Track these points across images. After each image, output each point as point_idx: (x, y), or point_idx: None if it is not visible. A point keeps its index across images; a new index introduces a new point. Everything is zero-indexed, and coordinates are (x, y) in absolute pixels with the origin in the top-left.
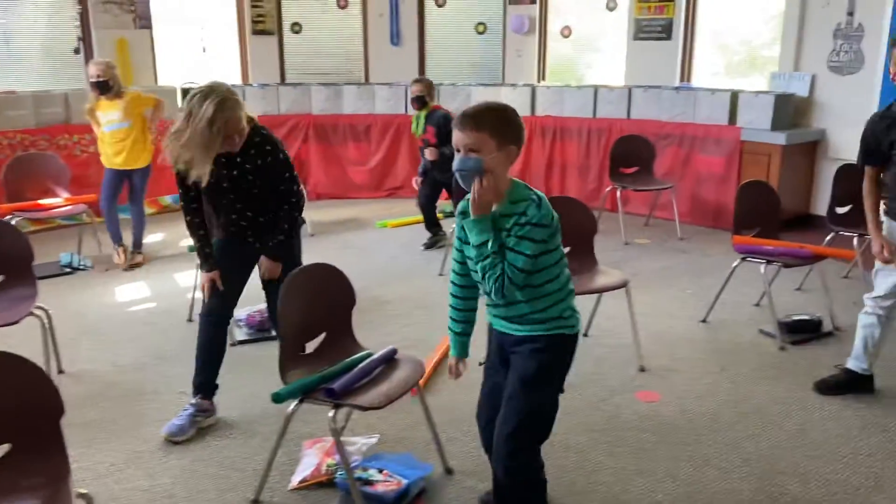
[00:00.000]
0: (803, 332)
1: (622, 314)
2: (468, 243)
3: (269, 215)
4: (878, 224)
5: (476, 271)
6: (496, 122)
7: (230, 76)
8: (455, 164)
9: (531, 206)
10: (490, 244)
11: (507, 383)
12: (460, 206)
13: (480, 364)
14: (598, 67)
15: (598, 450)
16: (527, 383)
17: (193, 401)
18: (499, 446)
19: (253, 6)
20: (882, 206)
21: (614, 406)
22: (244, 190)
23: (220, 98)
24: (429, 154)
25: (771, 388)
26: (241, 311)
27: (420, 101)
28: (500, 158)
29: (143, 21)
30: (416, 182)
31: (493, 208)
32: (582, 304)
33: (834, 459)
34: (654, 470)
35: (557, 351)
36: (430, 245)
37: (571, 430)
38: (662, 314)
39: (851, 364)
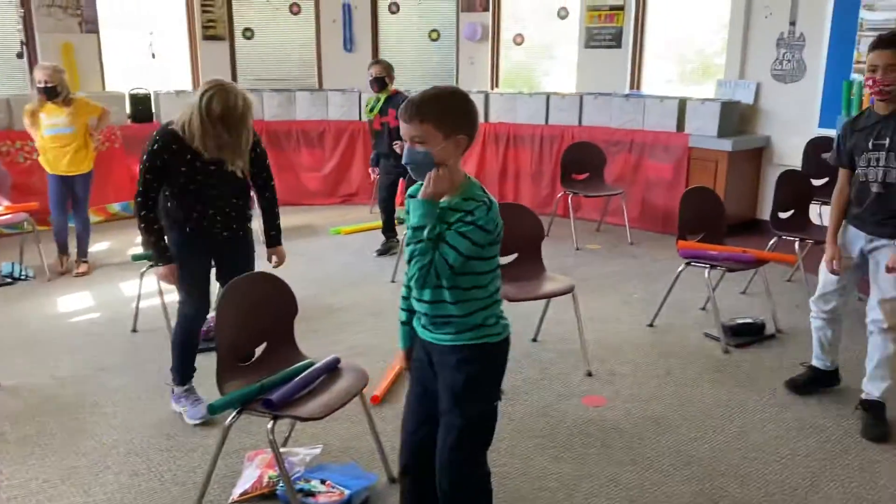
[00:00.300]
0: (747, 335)
1: (571, 319)
2: None
3: (236, 208)
4: (836, 230)
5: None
6: (442, 112)
7: (180, 82)
8: (404, 157)
9: (480, 208)
10: (428, 230)
11: (440, 396)
12: (411, 189)
13: None
14: (555, 74)
15: (544, 455)
16: (459, 397)
17: (187, 387)
18: (442, 461)
19: (204, 11)
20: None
21: (560, 411)
22: (229, 182)
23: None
24: (399, 149)
25: (714, 390)
26: None
27: (379, 83)
28: (448, 149)
29: (90, 25)
30: (372, 174)
31: (444, 199)
32: (530, 309)
33: (773, 461)
34: (599, 475)
35: (484, 360)
36: (382, 252)
37: (517, 437)
38: (610, 319)
39: (815, 362)
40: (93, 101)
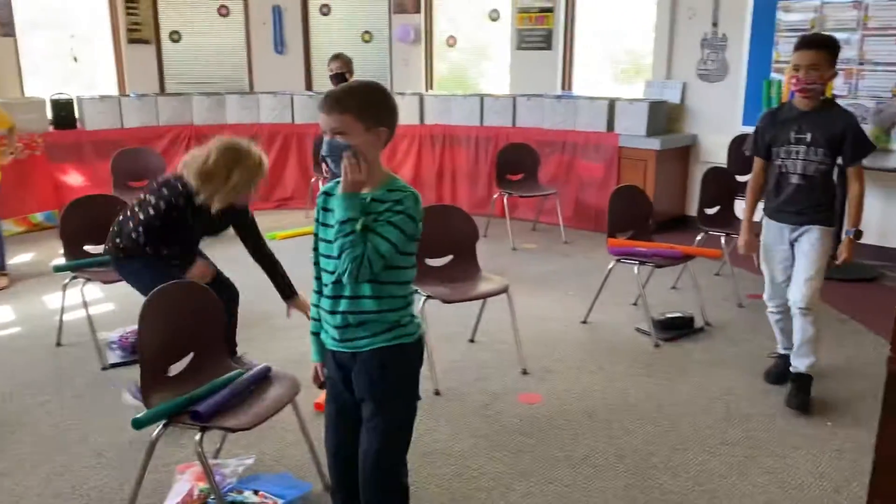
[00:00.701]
0: (676, 329)
1: (507, 319)
2: (329, 226)
3: None
4: (751, 217)
5: (329, 253)
6: (362, 103)
7: (105, 86)
8: (323, 149)
9: (409, 198)
10: (356, 223)
11: (362, 405)
12: (325, 186)
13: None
14: (489, 76)
15: (480, 455)
16: (381, 401)
17: None
18: (367, 466)
19: (128, 14)
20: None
21: (496, 410)
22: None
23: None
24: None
25: (645, 384)
26: (113, 333)
27: (340, 79)
28: (369, 140)
29: (6, 28)
30: (325, 171)
31: (366, 191)
32: (467, 310)
33: (702, 451)
34: (534, 472)
35: (400, 363)
36: None
37: (453, 438)
38: (546, 317)
39: (782, 350)
40: (4, 112)
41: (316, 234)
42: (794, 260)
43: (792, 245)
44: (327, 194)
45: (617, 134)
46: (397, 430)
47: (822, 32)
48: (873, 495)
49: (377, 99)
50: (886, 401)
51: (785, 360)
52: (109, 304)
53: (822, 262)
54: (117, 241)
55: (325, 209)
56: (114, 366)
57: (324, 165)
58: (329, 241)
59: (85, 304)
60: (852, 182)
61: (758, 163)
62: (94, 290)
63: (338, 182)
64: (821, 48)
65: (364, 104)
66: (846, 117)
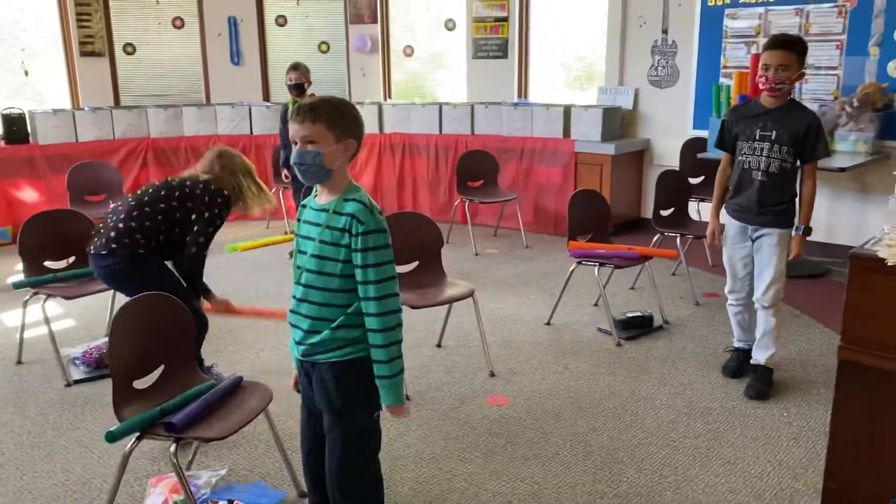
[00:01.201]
0: (637, 327)
1: (473, 323)
2: (309, 238)
3: None
4: (718, 207)
5: (309, 266)
6: (333, 113)
7: (56, 100)
8: (293, 158)
9: (363, 212)
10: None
11: (323, 416)
12: (306, 200)
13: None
14: (447, 85)
15: (451, 458)
16: (337, 414)
17: None
18: (331, 476)
19: (80, 26)
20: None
21: (466, 413)
22: None
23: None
24: (285, 177)
25: (609, 382)
26: (76, 349)
27: (299, 89)
28: (338, 151)
29: None
30: (284, 176)
31: (328, 202)
32: (433, 315)
33: (665, 445)
34: (505, 471)
35: (356, 377)
36: None
37: (424, 441)
38: (510, 320)
39: (738, 344)
40: None
41: (299, 250)
42: (754, 256)
43: (753, 241)
44: (304, 207)
45: (573, 140)
46: (356, 441)
47: (791, 33)
48: (829, 480)
49: (347, 112)
50: (838, 387)
51: (741, 353)
52: (71, 320)
53: (783, 264)
54: (138, 237)
55: (298, 220)
56: (78, 382)
57: (283, 171)
58: (304, 253)
59: (46, 321)
60: (807, 179)
61: (724, 157)
62: (54, 306)
63: (314, 196)
64: (791, 48)
65: (335, 115)
66: (810, 117)
